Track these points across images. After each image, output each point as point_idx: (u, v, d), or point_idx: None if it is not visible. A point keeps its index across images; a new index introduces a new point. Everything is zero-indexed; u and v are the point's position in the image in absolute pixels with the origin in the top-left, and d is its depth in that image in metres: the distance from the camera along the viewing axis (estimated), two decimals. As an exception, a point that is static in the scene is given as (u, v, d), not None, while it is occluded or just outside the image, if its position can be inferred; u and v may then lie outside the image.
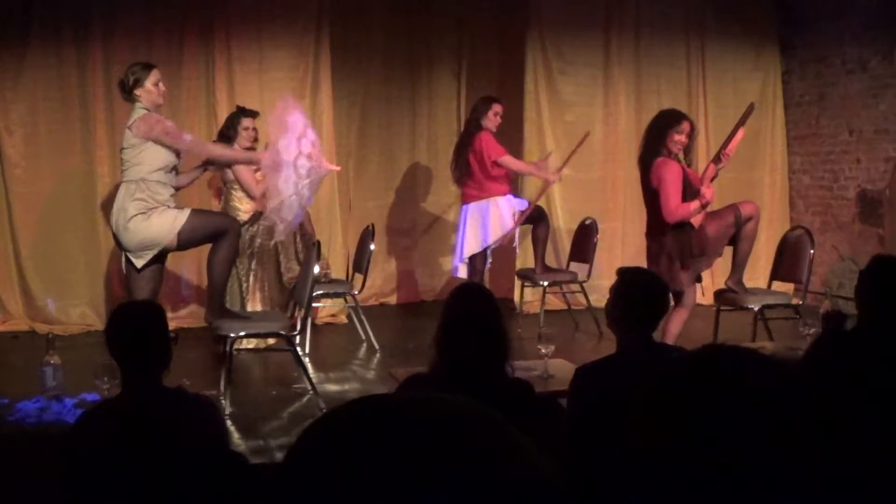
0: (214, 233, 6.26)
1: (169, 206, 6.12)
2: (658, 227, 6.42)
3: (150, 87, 6.06)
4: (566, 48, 9.41)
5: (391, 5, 9.49)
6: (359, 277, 7.87)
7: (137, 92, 6.04)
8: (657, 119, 6.53)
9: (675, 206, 6.23)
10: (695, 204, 6.26)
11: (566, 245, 9.00)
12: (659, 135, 6.35)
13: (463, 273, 7.83)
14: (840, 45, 9.08)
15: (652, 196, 6.39)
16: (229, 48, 8.58)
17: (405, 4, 9.53)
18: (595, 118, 9.48)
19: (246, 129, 7.34)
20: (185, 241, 6.25)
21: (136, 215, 5.98)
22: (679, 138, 6.29)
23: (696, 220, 6.39)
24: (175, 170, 6.19)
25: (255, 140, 7.38)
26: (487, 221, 7.72)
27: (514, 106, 9.30)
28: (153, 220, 6.02)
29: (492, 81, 9.74)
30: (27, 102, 8.30)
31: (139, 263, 6.10)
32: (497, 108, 7.78)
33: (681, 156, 6.44)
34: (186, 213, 6.19)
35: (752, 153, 9.81)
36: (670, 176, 6.23)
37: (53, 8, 8.26)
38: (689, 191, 6.28)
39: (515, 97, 9.33)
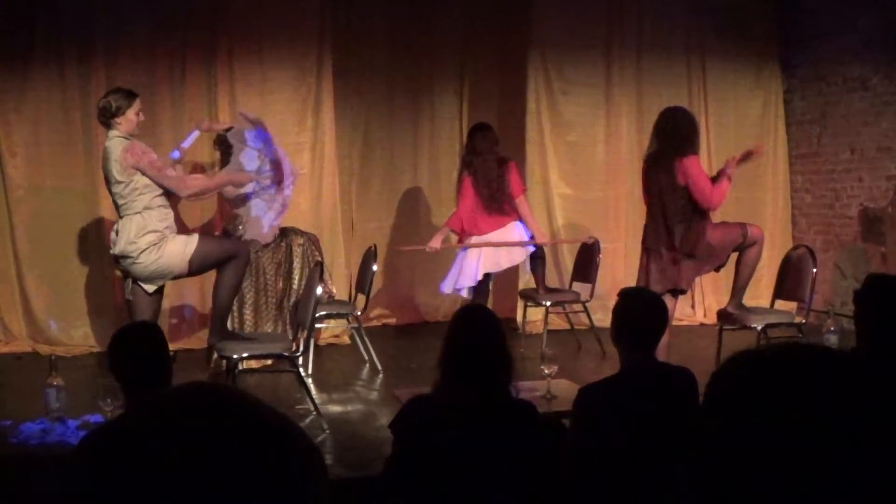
0: (225, 258, 6.29)
1: (175, 233, 6.16)
2: (667, 225, 6.55)
3: (132, 117, 6.05)
4: (568, 68, 9.43)
5: (393, 25, 9.51)
6: (361, 298, 7.86)
7: (118, 120, 6.04)
8: (684, 118, 6.72)
9: (710, 193, 6.49)
10: (725, 183, 6.60)
11: (569, 265, 8.99)
12: (690, 136, 6.59)
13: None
14: (841, 64, 9.10)
15: (670, 192, 6.50)
16: (231, 69, 8.61)
17: (407, 24, 9.55)
18: (597, 138, 9.50)
19: None
20: (197, 269, 6.30)
21: (146, 248, 5.99)
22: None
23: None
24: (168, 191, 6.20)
25: None
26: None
27: (516, 126, 9.33)
28: (165, 250, 6.04)
29: (493, 102, 9.76)
30: (30, 124, 8.32)
31: (150, 289, 6.12)
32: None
33: None
34: (195, 239, 6.21)
35: (753, 172, 9.81)
36: (696, 169, 6.50)
37: (56, 29, 8.29)
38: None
39: (517, 117, 9.36)
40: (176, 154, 6.91)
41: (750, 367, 1.09)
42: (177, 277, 6.33)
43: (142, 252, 5.98)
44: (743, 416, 1.04)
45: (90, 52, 8.34)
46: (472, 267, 7.75)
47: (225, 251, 6.34)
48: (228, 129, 7.54)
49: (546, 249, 8.50)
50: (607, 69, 9.53)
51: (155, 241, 6.00)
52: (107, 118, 6.06)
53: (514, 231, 7.77)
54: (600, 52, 9.53)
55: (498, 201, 7.70)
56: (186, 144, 7.15)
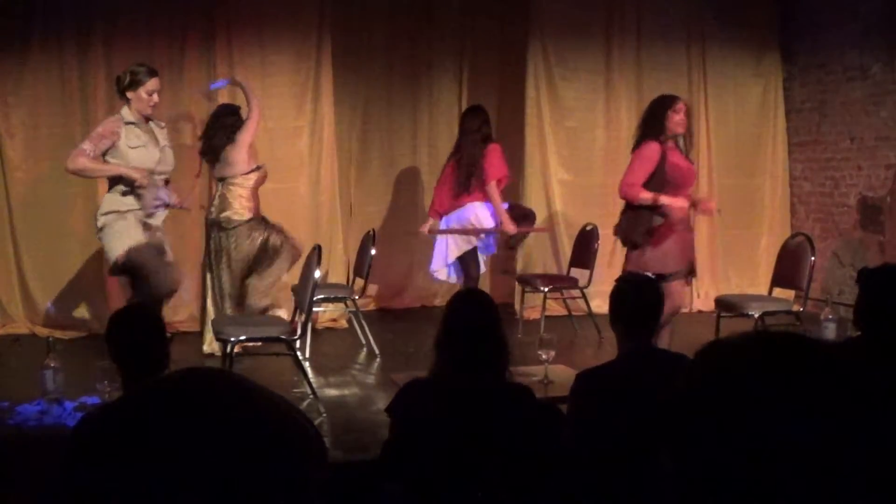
0: (144, 277, 6.16)
1: (148, 226, 6.15)
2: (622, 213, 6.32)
3: (143, 95, 6.03)
4: (567, 54, 9.41)
5: (393, 9, 9.49)
6: (359, 282, 7.86)
7: (130, 94, 6.02)
8: (651, 105, 6.43)
9: (627, 181, 6.17)
10: (648, 196, 6.08)
11: (567, 251, 9.00)
12: (655, 118, 6.24)
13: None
14: (841, 52, 9.09)
15: None
16: (231, 52, 8.58)
17: (406, 8, 9.53)
18: (596, 124, 9.49)
19: None
20: (124, 265, 6.18)
21: (103, 227, 6.06)
22: (678, 118, 6.17)
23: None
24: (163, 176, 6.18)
25: None
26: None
27: (516, 111, 9.32)
28: (114, 229, 6.09)
29: (493, 86, 9.74)
30: (28, 105, 8.30)
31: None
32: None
33: (681, 141, 6.34)
34: (142, 240, 6.16)
35: (752, 159, 9.83)
36: (644, 153, 6.17)
37: (55, 11, 8.26)
38: (665, 178, 6.14)
39: (516, 103, 9.34)
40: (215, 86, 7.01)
41: (724, 358, 1.10)
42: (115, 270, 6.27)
43: (100, 231, 6.04)
44: (719, 404, 1.05)
45: (89, 36, 8.31)
46: (442, 250, 7.83)
47: (148, 272, 6.19)
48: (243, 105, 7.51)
49: (543, 234, 8.49)
50: (607, 55, 9.52)
51: (110, 221, 6.02)
52: (120, 89, 6.09)
53: (469, 211, 7.67)
54: (600, 37, 9.51)
55: (468, 182, 7.62)
56: (214, 87, 7.21)
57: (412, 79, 9.65)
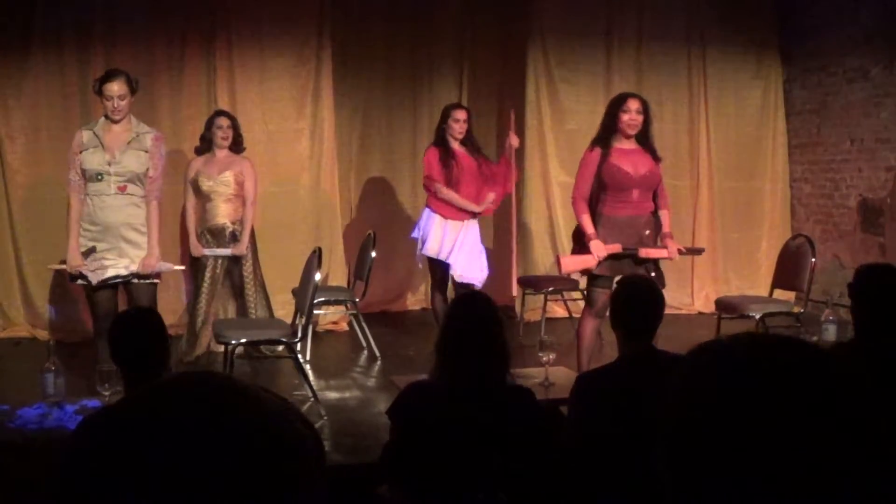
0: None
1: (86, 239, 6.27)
2: None
3: (104, 99, 6.02)
4: (568, 56, 9.42)
5: (393, 13, 9.49)
6: (360, 285, 7.86)
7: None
8: (607, 105, 6.42)
9: (574, 195, 6.24)
10: (587, 222, 6.10)
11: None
12: (609, 118, 6.24)
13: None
14: (841, 54, 9.09)
15: None
16: (231, 55, 8.59)
17: (407, 12, 9.53)
18: (596, 126, 9.44)
19: (220, 127, 7.26)
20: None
21: None
22: (627, 117, 6.12)
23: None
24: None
25: (228, 139, 7.28)
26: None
27: (516, 114, 9.31)
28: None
29: (493, 89, 9.74)
30: (29, 109, 8.30)
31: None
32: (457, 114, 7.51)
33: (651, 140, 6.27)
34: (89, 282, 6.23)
35: (753, 162, 9.83)
36: (583, 161, 6.25)
37: (55, 15, 8.27)
38: (601, 182, 6.14)
39: (517, 105, 9.33)
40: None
41: (715, 359, 1.11)
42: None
43: None
44: (709, 406, 1.06)
45: (89, 39, 8.31)
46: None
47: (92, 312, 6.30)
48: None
49: (545, 233, 8.45)
50: (607, 57, 9.52)
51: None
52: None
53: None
54: (600, 40, 9.52)
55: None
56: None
57: (412, 81, 9.65)
